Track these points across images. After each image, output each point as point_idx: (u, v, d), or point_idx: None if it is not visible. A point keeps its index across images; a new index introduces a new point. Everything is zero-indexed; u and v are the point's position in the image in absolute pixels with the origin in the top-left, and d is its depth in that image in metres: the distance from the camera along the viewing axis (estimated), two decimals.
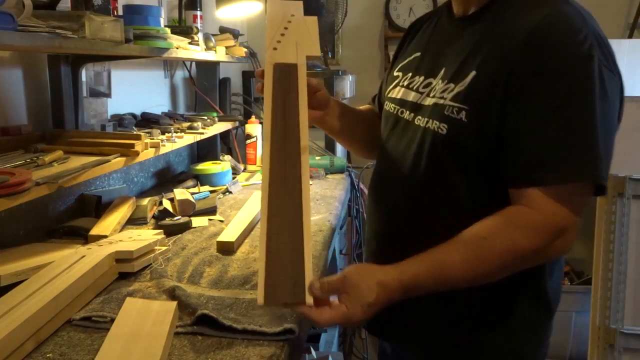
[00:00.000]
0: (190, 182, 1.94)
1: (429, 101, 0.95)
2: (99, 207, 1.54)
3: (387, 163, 1.05)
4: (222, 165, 2.04)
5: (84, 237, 1.33)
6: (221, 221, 1.59)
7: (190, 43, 1.74)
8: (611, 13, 2.97)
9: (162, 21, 1.52)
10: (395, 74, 1.09)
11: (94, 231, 1.33)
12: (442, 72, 0.95)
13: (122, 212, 1.48)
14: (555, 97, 0.80)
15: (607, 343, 2.30)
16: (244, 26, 3.13)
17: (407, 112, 1.00)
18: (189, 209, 1.59)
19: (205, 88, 2.33)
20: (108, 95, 1.69)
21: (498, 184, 0.87)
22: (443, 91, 0.92)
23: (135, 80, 1.97)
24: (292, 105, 0.88)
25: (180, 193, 1.69)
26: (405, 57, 1.09)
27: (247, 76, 2.69)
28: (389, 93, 1.09)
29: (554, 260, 0.95)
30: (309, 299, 0.74)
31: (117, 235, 1.32)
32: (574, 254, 2.86)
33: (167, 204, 1.62)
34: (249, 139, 2.31)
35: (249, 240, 1.41)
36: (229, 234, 1.37)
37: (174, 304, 0.97)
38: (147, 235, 1.30)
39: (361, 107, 1.28)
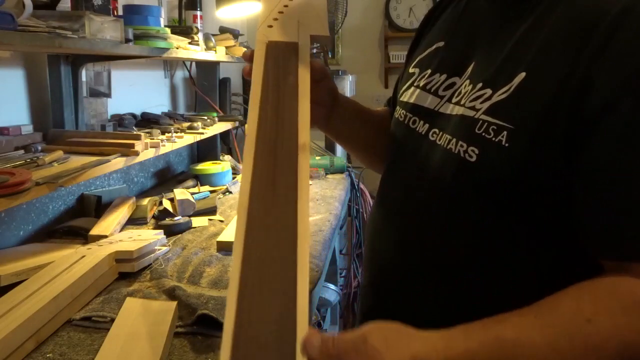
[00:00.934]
0: (190, 182, 1.94)
1: (452, 109, 0.70)
2: (99, 207, 1.54)
3: (392, 194, 0.79)
4: (222, 165, 2.04)
5: (84, 237, 1.33)
6: (221, 221, 1.59)
7: (190, 43, 1.74)
8: None
9: (162, 21, 1.52)
10: (411, 70, 0.83)
11: (94, 231, 1.33)
12: (470, 68, 0.70)
13: (122, 212, 1.48)
14: None
15: None
16: (244, 26, 3.13)
17: (421, 122, 0.75)
18: (189, 209, 1.59)
19: (205, 88, 2.33)
20: (108, 95, 1.69)
21: (551, 240, 0.62)
22: (475, 98, 0.65)
23: (135, 80, 1.97)
24: (289, 92, 0.66)
25: (180, 193, 1.69)
26: (424, 48, 0.82)
27: None
28: (401, 95, 0.83)
29: None
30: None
31: (117, 235, 1.32)
32: None
33: (167, 204, 1.62)
34: None
35: None
36: (229, 234, 1.37)
37: (174, 304, 0.97)
38: (147, 235, 1.30)
39: (380, 110, 1.02)
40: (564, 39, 0.58)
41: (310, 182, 2.11)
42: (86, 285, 1.01)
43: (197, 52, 1.78)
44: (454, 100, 0.70)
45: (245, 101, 2.70)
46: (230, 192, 1.93)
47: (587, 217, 0.57)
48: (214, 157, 2.29)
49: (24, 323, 0.82)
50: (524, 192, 0.60)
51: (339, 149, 2.54)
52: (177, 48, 1.58)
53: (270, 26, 0.73)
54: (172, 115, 2.03)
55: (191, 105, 2.45)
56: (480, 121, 0.63)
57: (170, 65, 2.25)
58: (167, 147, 1.55)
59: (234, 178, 2.11)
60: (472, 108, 0.65)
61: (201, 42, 1.84)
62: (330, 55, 3.34)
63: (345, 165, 2.34)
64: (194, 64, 2.33)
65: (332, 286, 2.10)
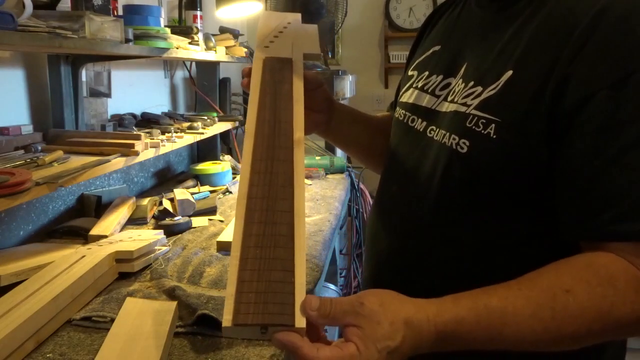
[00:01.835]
0: (190, 182, 1.94)
1: (447, 107, 0.75)
2: (99, 207, 1.54)
3: (390, 190, 0.84)
4: (222, 165, 2.04)
5: (84, 237, 1.33)
6: (221, 221, 1.59)
7: (190, 43, 1.74)
8: None
9: (162, 21, 1.52)
10: (410, 72, 0.89)
11: (94, 231, 1.33)
12: (463, 68, 0.75)
13: (122, 212, 1.48)
14: None
15: None
16: (244, 26, 3.13)
17: (419, 120, 0.80)
18: (189, 209, 1.59)
19: (205, 88, 2.33)
20: (108, 95, 1.69)
21: (535, 225, 0.67)
22: (467, 95, 0.70)
23: (135, 80, 1.97)
24: (284, 97, 0.73)
25: (180, 193, 1.69)
26: (422, 51, 0.88)
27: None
28: (401, 97, 0.89)
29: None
30: (301, 321, 0.52)
31: (117, 235, 1.32)
32: None
33: (167, 204, 1.62)
34: None
35: None
36: (229, 234, 1.36)
37: (174, 304, 0.97)
38: (147, 235, 1.30)
39: (380, 115, 1.06)
40: (548, 39, 0.64)
41: (310, 182, 2.11)
42: (86, 285, 1.01)
43: (197, 52, 1.78)
44: (448, 98, 0.75)
45: (245, 101, 2.69)
46: (230, 192, 1.93)
47: (566, 201, 0.62)
48: (214, 157, 2.29)
49: (24, 323, 0.82)
50: (510, 181, 0.65)
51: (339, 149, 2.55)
52: (177, 48, 1.59)
53: (267, 47, 0.82)
54: (172, 115, 2.03)
55: (191, 105, 2.45)
56: (471, 115, 0.68)
57: (170, 65, 2.25)
58: (167, 147, 1.55)
59: (234, 178, 2.11)
60: (464, 104, 0.70)
61: (201, 42, 1.84)
62: (330, 55, 3.34)
63: (345, 165, 2.34)
64: (194, 64, 2.33)
65: (332, 286, 2.10)
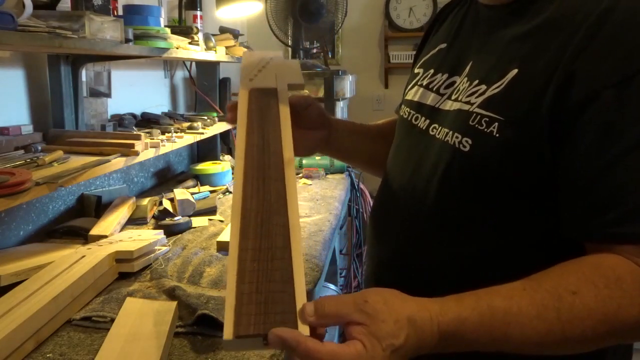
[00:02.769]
0: (190, 182, 1.95)
1: (450, 105, 0.74)
2: (99, 207, 1.54)
3: (391, 189, 0.82)
4: (222, 165, 2.04)
5: (84, 237, 1.33)
6: (221, 221, 1.59)
7: (190, 43, 1.74)
8: None
9: (162, 21, 1.52)
10: (416, 70, 0.88)
11: (94, 231, 1.33)
12: (467, 68, 0.74)
13: (122, 212, 1.48)
14: None
15: None
16: (244, 26, 3.13)
17: (423, 118, 0.80)
18: (189, 209, 1.59)
19: (205, 88, 2.33)
20: (108, 95, 1.69)
21: (538, 224, 0.65)
22: (471, 93, 0.70)
23: (135, 80, 1.97)
24: (272, 121, 0.75)
25: (180, 193, 1.69)
26: (429, 49, 0.87)
27: None
28: (406, 95, 0.88)
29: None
30: (304, 328, 0.51)
31: (117, 235, 1.32)
32: None
33: (167, 204, 1.62)
34: None
35: None
36: (229, 234, 1.36)
37: (174, 304, 0.97)
38: (147, 235, 1.30)
39: (380, 122, 1.05)
40: (553, 37, 0.63)
41: (310, 182, 2.11)
42: (86, 285, 1.01)
43: (197, 52, 1.78)
44: (452, 97, 0.74)
45: None
46: (230, 192, 1.93)
47: (569, 200, 0.61)
48: (214, 157, 2.29)
49: (24, 323, 0.82)
50: (512, 180, 0.64)
51: None
52: (177, 48, 1.59)
53: (251, 80, 0.85)
54: (172, 115, 2.03)
55: (191, 105, 2.45)
56: (475, 114, 0.67)
57: (170, 65, 2.25)
58: (167, 147, 1.55)
59: (233, 178, 2.11)
60: (468, 102, 0.69)
61: (201, 42, 1.84)
62: (330, 55, 3.34)
63: (345, 166, 2.34)
64: (194, 64, 2.34)
65: (332, 286, 2.10)
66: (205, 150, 2.35)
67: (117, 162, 1.30)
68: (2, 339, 0.78)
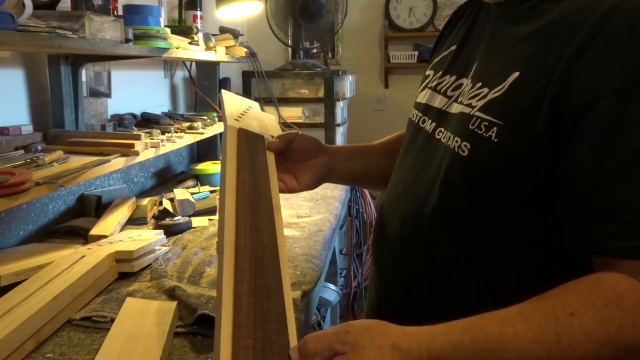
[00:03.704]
0: (190, 182, 1.94)
1: (455, 108, 0.73)
2: (99, 207, 1.54)
3: (396, 190, 0.81)
4: None
5: (84, 237, 1.33)
6: None
7: (190, 43, 1.74)
8: None
9: (162, 21, 1.52)
10: (427, 72, 0.86)
11: (94, 231, 1.33)
12: (473, 69, 0.73)
13: (122, 212, 1.48)
14: None
15: None
16: (244, 26, 3.13)
17: (429, 121, 0.78)
18: (189, 209, 1.59)
19: (205, 88, 2.33)
20: (108, 95, 1.69)
21: (538, 231, 0.63)
22: (473, 96, 0.68)
23: (135, 80, 1.97)
24: (261, 165, 0.78)
25: (180, 193, 1.69)
26: (441, 51, 0.86)
27: (247, 76, 2.69)
28: (417, 97, 0.86)
29: None
30: None
31: (117, 235, 1.32)
32: None
33: (167, 204, 1.62)
34: None
35: None
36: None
37: (174, 304, 0.97)
38: (147, 235, 1.30)
39: (385, 139, 1.02)
40: (555, 40, 0.60)
41: None
42: (86, 285, 1.01)
43: (197, 52, 1.78)
44: (458, 100, 0.73)
45: None
46: None
47: (568, 209, 0.59)
48: (214, 157, 2.29)
49: (24, 323, 0.82)
50: (511, 186, 0.62)
51: None
52: (177, 48, 1.58)
53: (237, 120, 0.88)
54: (172, 115, 2.03)
55: (191, 105, 2.45)
56: (474, 117, 0.65)
57: (170, 65, 2.25)
58: (167, 147, 1.55)
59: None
60: (469, 105, 0.68)
61: (201, 42, 1.84)
62: (330, 55, 3.34)
63: None
64: (194, 64, 2.33)
65: (332, 286, 2.10)
66: (205, 150, 2.35)
67: (117, 162, 1.30)
68: (2, 339, 0.77)
